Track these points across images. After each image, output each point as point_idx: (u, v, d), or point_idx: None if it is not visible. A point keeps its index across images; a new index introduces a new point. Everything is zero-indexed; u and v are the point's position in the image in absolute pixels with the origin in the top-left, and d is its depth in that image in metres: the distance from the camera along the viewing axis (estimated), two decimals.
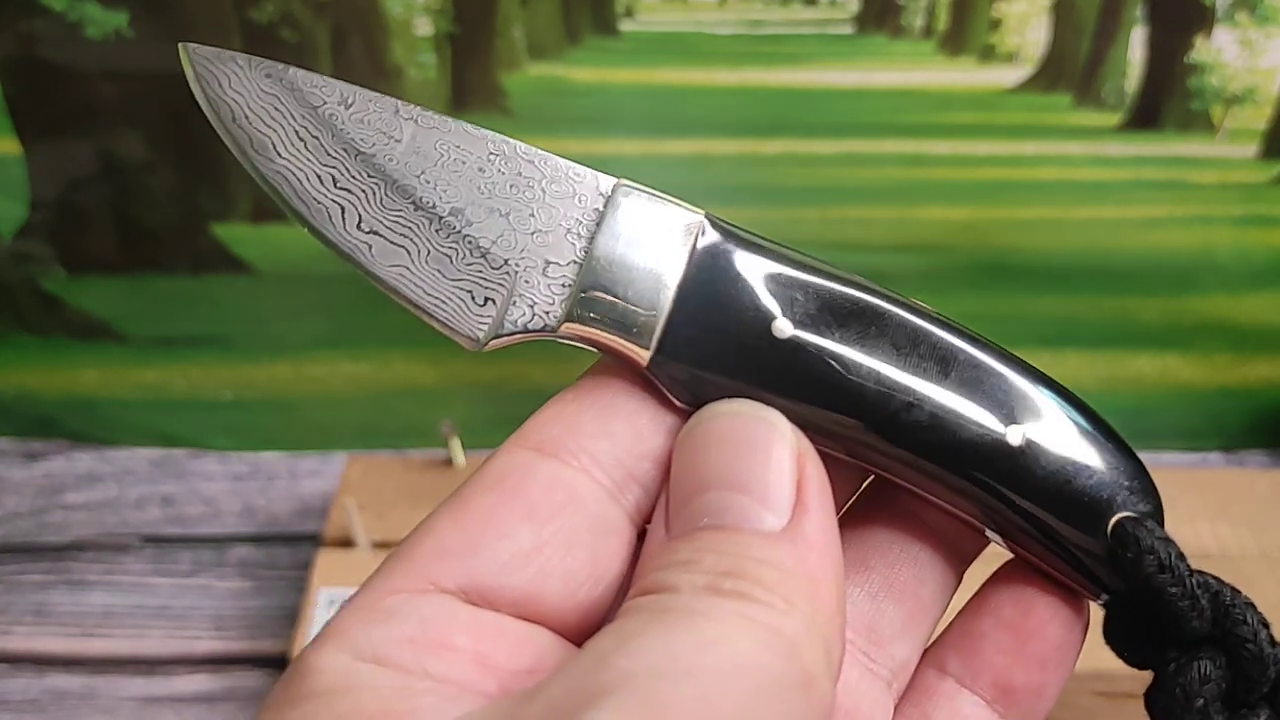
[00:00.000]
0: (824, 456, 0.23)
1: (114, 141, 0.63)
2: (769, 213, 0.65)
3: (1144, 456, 0.25)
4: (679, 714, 0.18)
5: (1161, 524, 0.24)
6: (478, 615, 0.21)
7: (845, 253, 0.66)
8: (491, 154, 0.24)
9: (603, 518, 0.23)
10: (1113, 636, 0.25)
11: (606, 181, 0.24)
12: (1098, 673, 0.50)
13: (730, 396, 0.23)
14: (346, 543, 0.60)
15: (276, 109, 0.24)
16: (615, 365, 0.24)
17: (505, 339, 0.24)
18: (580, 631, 0.23)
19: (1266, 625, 0.24)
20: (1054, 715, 0.26)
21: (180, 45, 0.24)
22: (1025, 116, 0.63)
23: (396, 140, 0.24)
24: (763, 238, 0.24)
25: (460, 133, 0.24)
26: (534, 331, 0.24)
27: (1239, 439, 0.74)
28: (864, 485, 0.27)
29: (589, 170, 0.24)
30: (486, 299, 0.24)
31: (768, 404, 0.23)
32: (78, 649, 0.62)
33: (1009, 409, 0.24)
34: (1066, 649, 0.25)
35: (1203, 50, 0.61)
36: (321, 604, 0.57)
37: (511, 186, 0.24)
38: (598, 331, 0.23)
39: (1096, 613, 0.25)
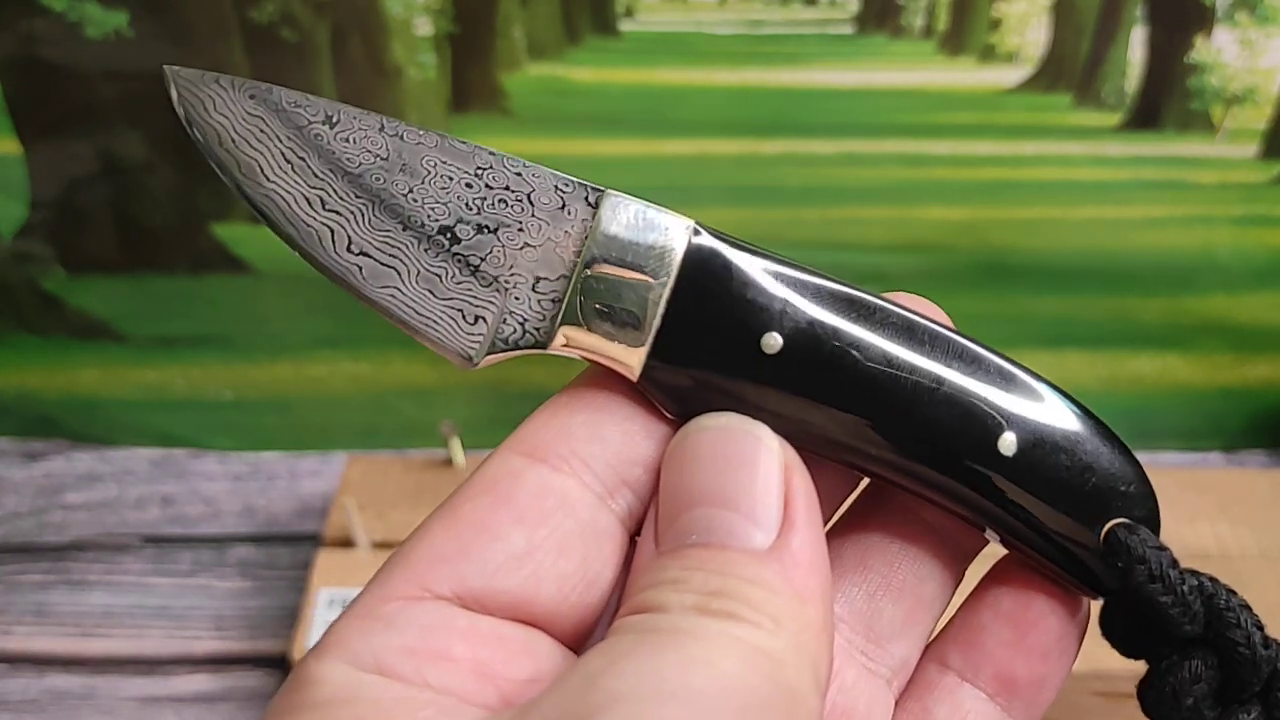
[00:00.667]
0: (818, 460, 0.23)
1: (114, 141, 0.63)
2: (769, 213, 0.65)
3: (1144, 457, 0.25)
4: None
5: (1158, 527, 0.24)
6: (475, 621, 0.22)
7: (845, 253, 0.66)
8: (479, 168, 0.24)
9: (594, 522, 0.23)
10: (1109, 632, 0.25)
11: (594, 191, 0.24)
12: (1096, 673, 0.50)
13: (720, 408, 0.23)
14: (346, 543, 0.60)
15: (262, 130, 0.24)
16: (602, 373, 0.24)
17: (497, 356, 0.24)
18: (574, 635, 0.23)
19: (1261, 627, 0.24)
20: (1051, 715, 0.26)
21: (164, 68, 0.24)
22: (1025, 116, 0.63)
23: (383, 158, 0.24)
24: (752, 245, 0.24)
25: (446, 147, 0.24)
26: (525, 348, 0.24)
27: (1239, 439, 0.74)
28: (861, 485, 0.27)
29: (577, 181, 0.24)
30: (477, 317, 0.24)
31: (758, 416, 0.23)
32: (78, 649, 0.62)
33: (1003, 414, 0.24)
34: (1067, 640, 0.25)
35: (1203, 50, 0.61)
36: (321, 604, 0.57)
37: (500, 201, 0.24)
38: (587, 347, 0.23)
39: (1094, 608, 0.26)
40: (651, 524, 0.23)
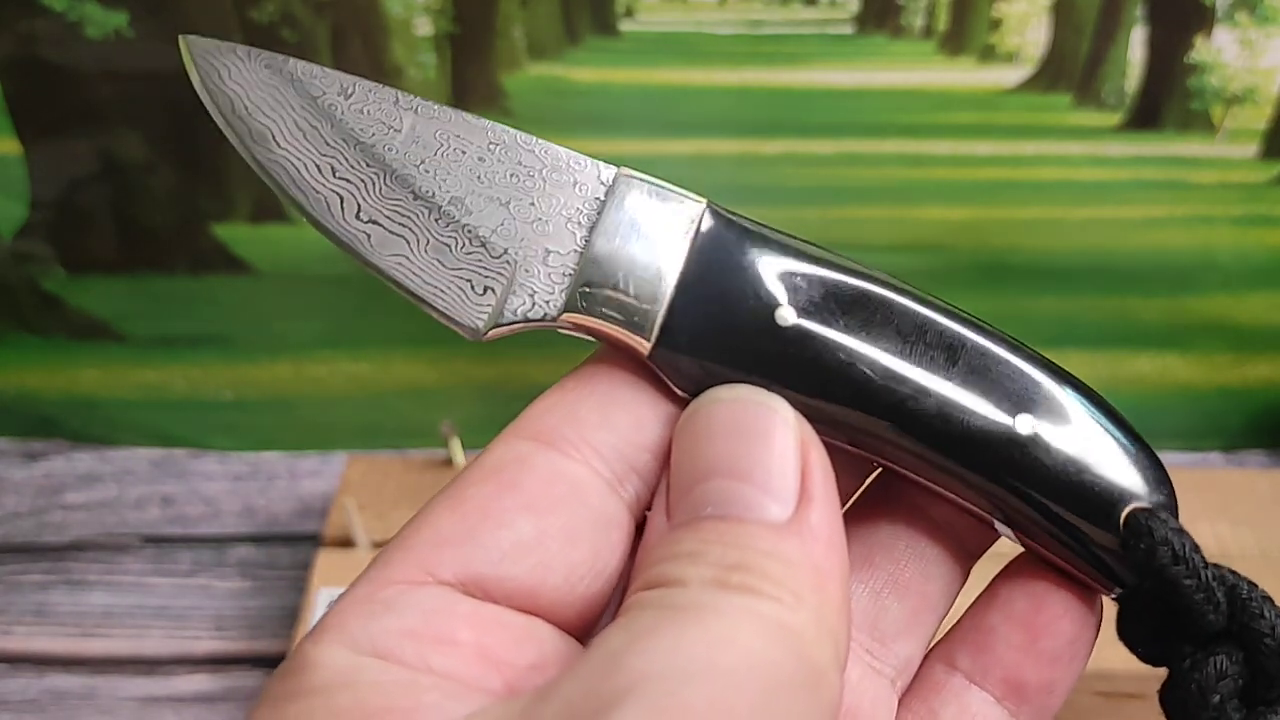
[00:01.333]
0: (829, 448, 0.23)
1: (114, 141, 0.63)
2: (769, 213, 0.64)
3: None
4: (695, 716, 0.18)
5: (1175, 515, 0.24)
6: (478, 608, 0.21)
7: (845, 253, 0.66)
8: (491, 143, 0.24)
9: (604, 510, 0.22)
10: (1126, 632, 0.24)
11: (608, 170, 0.24)
12: (1098, 673, 0.50)
13: (733, 383, 0.23)
14: (346, 543, 0.60)
15: (276, 99, 0.24)
16: (615, 354, 0.24)
17: (505, 328, 0.24)
18: (578, 624, 0.22)
19: None
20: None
21: (180, 37, 0.24)
22: (1025, 116, 0.63)
23: (396, 130, 0.24)
24: (765, 226, 0.24)
25: (460, 122, 0.24)
26: (534, 321, 0.24)
27: (1239, 439, 0.74)
28: (869, 479, 0.26)
29: (589, 159, 0.24)
30: (486, 288, 0.23)
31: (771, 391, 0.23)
32: (77, 649, 0.62)
33: (1018, 397, 0.23)
34: (1079, 644, 0.25)
35: (1203, 50, 0.61)
36: (321, 604, 0.57)
37: (511, 176, 0.24)
38: (598, 321, 0.23)
39: (1108, 611, 0.25)
40: (662, 499, 0.22)
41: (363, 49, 0.61)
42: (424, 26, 0.60)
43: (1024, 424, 0.23)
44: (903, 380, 0.23)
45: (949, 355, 0.23)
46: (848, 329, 0.23)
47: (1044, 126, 0.63)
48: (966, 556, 0.26)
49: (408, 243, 0.24)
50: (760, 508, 0.21)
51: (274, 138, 0.24)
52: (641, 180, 0.24)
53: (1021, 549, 0.25)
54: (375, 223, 0.24)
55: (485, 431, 0.75)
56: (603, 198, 0.24)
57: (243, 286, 0.68)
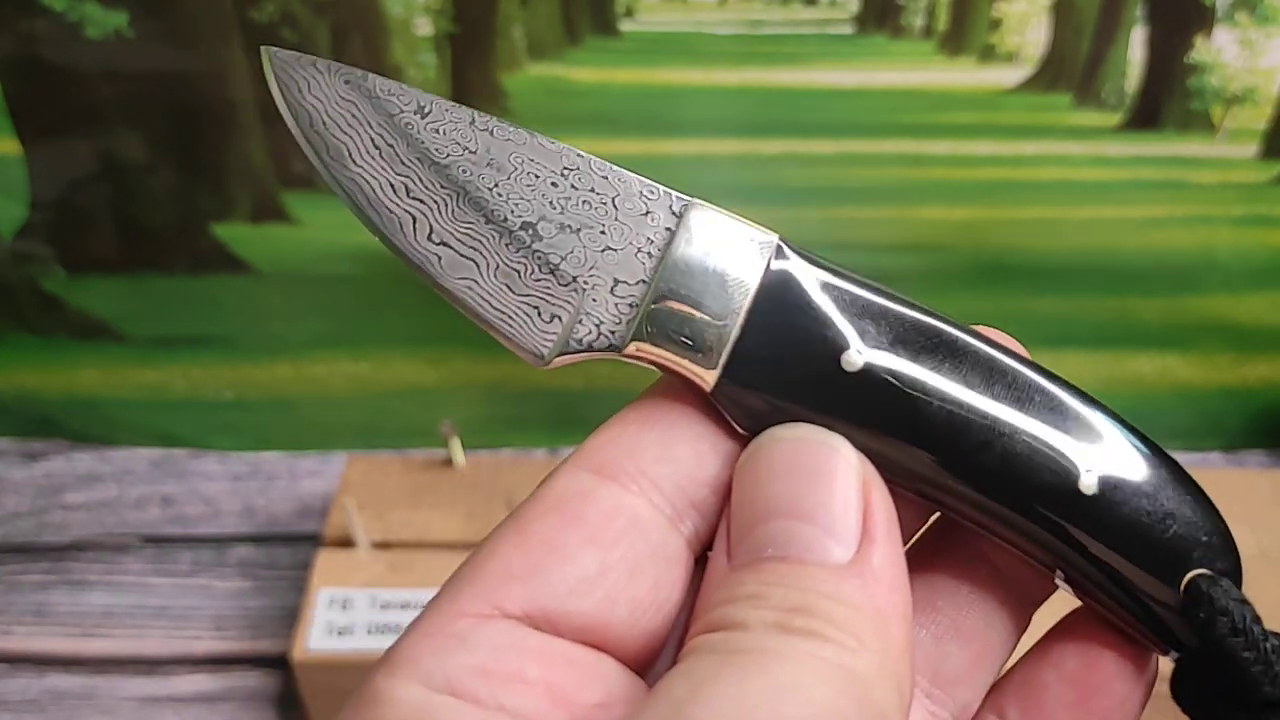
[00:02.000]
0: (891, 492, 0.23)
1: (114, 141, 0.63)
2: (769, 213, 0.64)
3: None
4: None
5: (1239, 582, 0.23)
6: (546, 643, 0.21)
7: (845, 253, 0.66)
8: (566, 169, 0.24)
9: (664, 545, 0.22)
10: (1181, 695, 0.24)
11: (679, 201, 0.24)
12: None
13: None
14: (346, 543, 0.60)
15: (354, 115, 0.24)
16: (675, 387, 0.23)
17: (570, 357, 0.24)
18: (641, 659, 0.22)
19: None
20: None
21: (262, 48, 0.24)
22: (1025, 116, 0.63)
23: (471, 151, 0.24)
24: (835, 264, 0.24)
25: (535, 146, 0.24)
26: (599, 350, 0.23)
27: (1239, 439, 0.74)
28: (930, 522, 0.26)
29: (663, 188, 0.24)
30: (553, 316, 0.23)
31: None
32: (78, 649, 0.62)
33: (1084, 452, 0.23)
34: (1130, 706, 0.24)
35: (1203, 50, 0.61)
36: (321, 604, 0.57)
37: (584, 203, 0.24)
38: (663, 353, 0.23)
39: (1163, 670, 0.25)
40: (724, 538, 0.22)
41: (363, 49, 0.61)
42: (424, 26, 0.60)
43: (1089, 480, 0.23)
44: (969, 429, 0.23)
45: (1017, 406, 0.23)
46: (915, 375, 0.23)
47: (1044, 126, 0.63)
48: (1028, 604, 0.26)
49: (478, 266, 0.23)
50: (822, 549, 0.21)
51: (350, 154, 0.24)
52: (713, 211, 0.23)
53: (1079, 603, 0.25)
54: (446, 245, 0.23)
55: (485, 431, 0.75)
56: (673, 228, 0.23)
57: (243, 286, 0.68)
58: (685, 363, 0.23)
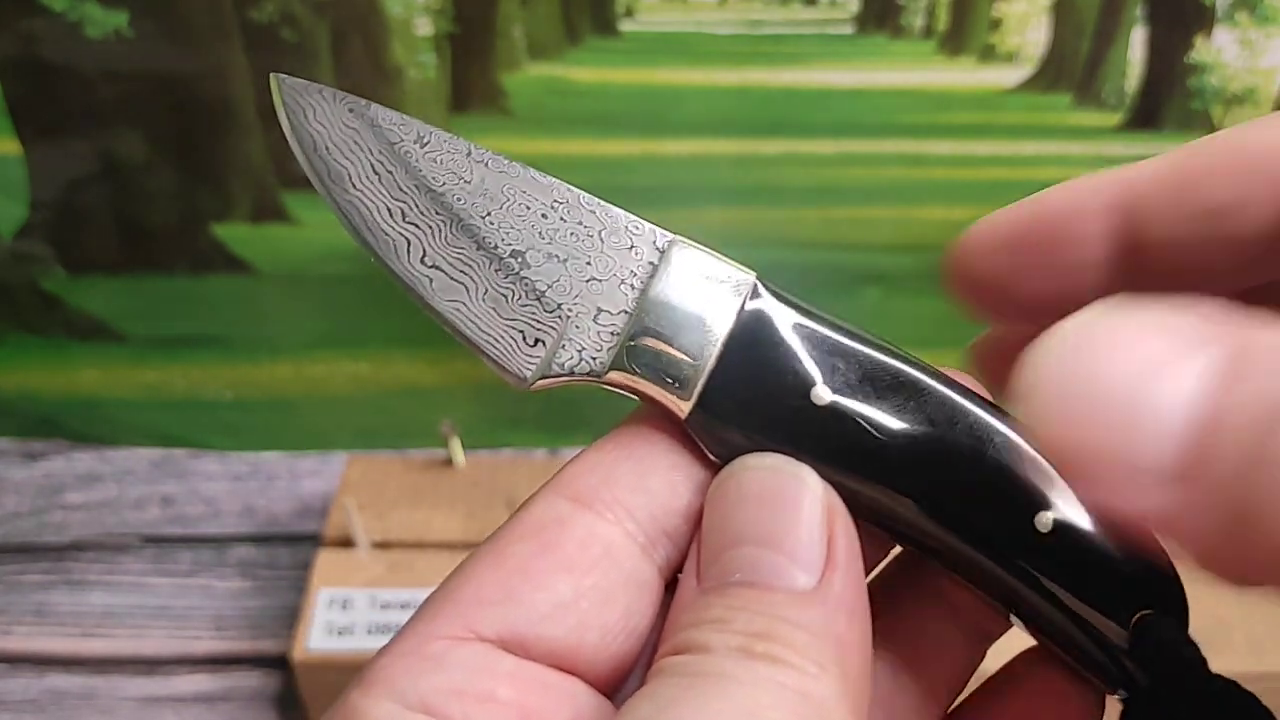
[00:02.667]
0: (854, 524, 0.23)
1: (114, 141, 0.63)
2: (769, 213, 0.65)
3: None
4: None
5: (1186, 625, 0.24)
6: (518, 666, 0.22)
7: (845, 253, 0.66)
8: (556, 201, 0.25)
9: (636, 572, 0.23)
10: None
11: (663, 237, 0.25)
12: None
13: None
14: (346, 543, 0.60)
15: (355, 142, 0.25)
16: (654, 415, 0.24)
17: (551, 380, 0.24)
18: (609, 682, 0.23)
19: None
20: None
21: (271, 75, 0.25)
22: (1025, 116, 0.63)
23: (466, 181, 0.25)
24: (810, 305, 0.24)
25: (528, 179, 0.25)
26: (579, 375, 0.24)
27: None
28: (891, 555, 0.27)
29: (647, 224, 0.25)
30: (537, 340, 0.24)
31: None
32: (78, 649, 0.62)
33: (1041, 494, 0.23)
34: None
35: (1203, 50, 0.61)
36: (321, 604, 0.57)
37: (571, 234, 0.25)
38: (641, 381, 0.24)
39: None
40: (693, 562, 0.23)
41: (363, 49, 0.61)
42: (424, 26, 0.60)
43: (1044, 521, 0.23)
44: (930, 467, 0.23)
45: (977, 446, 0.24)
46: (881, 412, 0.24)
47: (1044, 126, 0.63)
48: (983, 639, 0.26)
49: (467, 290, 0.24)
50: (787, 576, 0.21)
51: (350, 179, 0.25)
52: (694, 249, 0.24)
53: (1032, 641, 0.25)
54: (438, 268, 0.24)
55: (485, 431, 0.75)
56: (656, 262, 0.24)
57: (243, 286, 0.68)
58: (660, 392, 0.24)
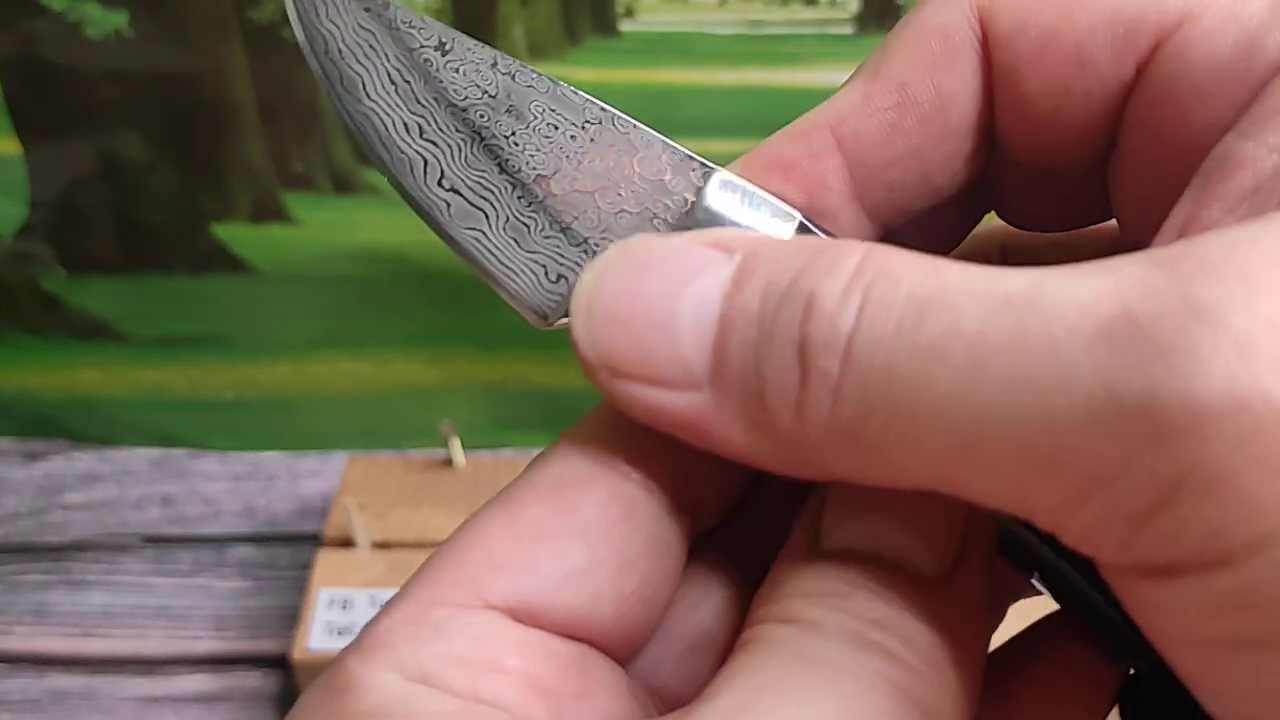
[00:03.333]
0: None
1: (114, 141, 0.63)
2: None
3: None
4: None
5: None
6: (527, 634, 0.20)
7: None
8: (587, 122, 0.23)
9: (656, 536, 0.21)
10: (1128, 713, 0.24)
11: (702, 168, 0.23)
12: None
13: None
14: (346, 543, 0.60)
15: (371, 46, 0.23)
16: None
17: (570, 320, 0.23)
18: (625, 650, 0.22)
19: None
20: None
21: None
22: None
23: (491, 95, 0.23)
24: None
25: (558, 95, 0.23)
26: None
27: None
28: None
29: (686, 152, 0.23)
30: (559, 276, 0.23)
31: None
32: (77, 649, 0.62)
33: None
34: (1096, 713, 0.24)
35: None
36: (321, 604, 0.57)
37: (602, 160, 0.23)
38: None
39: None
40: (812, 513, 0.21)
41: None
42: None
43: None
44: None
45: None
46: None
47: None
48: (1005, 599, 0.25)
49: (487, 218, 0.23)
50: (917, 558, 0.20)
51: (364, 87, 0.23)
52: (735, 185, 0.23)
53: (1042, 612, 0.24)
54: (456, 192, 0.23)
55: (485, 431, 0.74)
56: (692, 197, 0.23)
57: (243, 286, 0.68)
58: None
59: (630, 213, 0.22)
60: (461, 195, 0.23)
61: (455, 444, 0.65)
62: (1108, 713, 0.24)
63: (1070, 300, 0.16)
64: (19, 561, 0.67)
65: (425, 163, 0.23)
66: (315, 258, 0.67)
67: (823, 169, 0.23)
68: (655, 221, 0.22)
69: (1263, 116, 0.20)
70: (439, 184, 0.23)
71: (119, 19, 0.59)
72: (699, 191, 0.22)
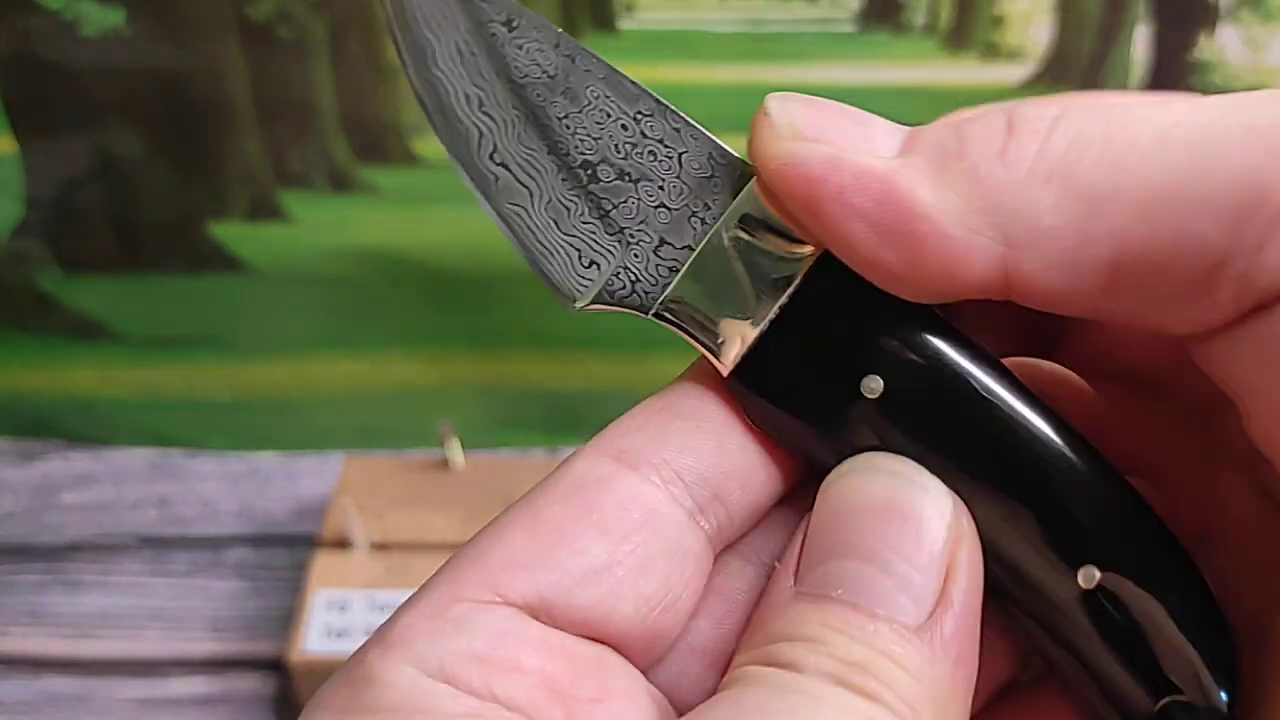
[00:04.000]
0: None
1: (110, 140, 0.63)
2: None
3: None
4: None
5: (1231, 713, 0.21)
6: (545, 634, 0.20)
7: None
8: (640, 113, 0.23)
9: (679, 540, 0.21)
10: None
11: (747, 175, 0.23)
12: None
13: (798, 439, 0.22)
14: (344, 544, 0.60)
15: (445, 15, 0.23)
16: (707, 371, 0.23)
17: (600, 306, 0.23)
18: (646, 655, 0.22)
19: None
20: None
21: None
22: None
23: (549, 75, 0.23)
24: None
25: (615, 82, 0.23)
26: (628, 307, 0.23)
27: None
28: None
29: (735, 155, 0.23)
30: (593, 262, 0.23)
31: (830, 458, 0.22)
32: (74, 651, 0.62)
33: (1089, 544, 0.21)
34: None
35: (1206, 48, 0.60)
36: (319, 605, 0.57)
37: (650, 153, 0.23)
38: (684, 330, 0.22)
39: None
40: (793, 556, 0.21)
41: (361, 47, 0.61)
42: None
43: (1086, 576, 0.21)
44: (977, 489, 0.21)
45: (1035, 475, 0.21)
46: (935, 416, 0.21)
47: None
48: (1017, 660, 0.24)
49: (531, 195, 0.23)
50: (894, 605, 0.20)
51: (432, 55, 0.23)
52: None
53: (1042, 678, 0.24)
54: (506, 167, 0.23)
55: (484, 431, 0.74)
56: (733, 200, 0.22)
57: (240, 286, 0.67)
58: (704, 345, 0.22)
59: (669, 209, 0.23)
60: (510, 171, 0.23)
61: (453, 444, 0.64)
62: None
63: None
64: (14, 563, 0.66)
65: (480, 135, 0.23)
66: (313, 257, 0.66)
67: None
68: (693, 220, 0.23)
69: None
70: (491, 158, 0.23)
71: (115, 17, 0.59)
72: (740, 194, 0.22)
